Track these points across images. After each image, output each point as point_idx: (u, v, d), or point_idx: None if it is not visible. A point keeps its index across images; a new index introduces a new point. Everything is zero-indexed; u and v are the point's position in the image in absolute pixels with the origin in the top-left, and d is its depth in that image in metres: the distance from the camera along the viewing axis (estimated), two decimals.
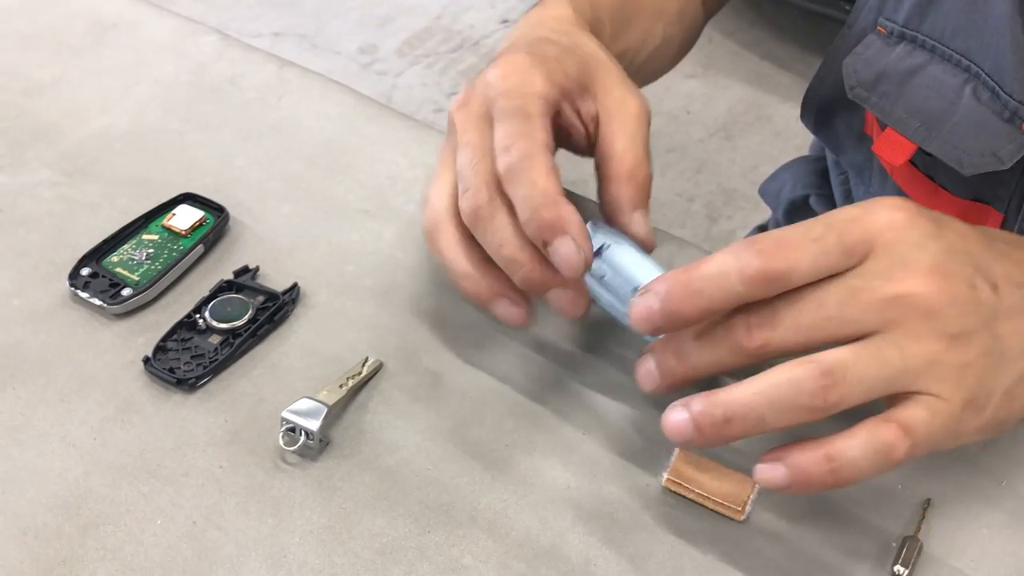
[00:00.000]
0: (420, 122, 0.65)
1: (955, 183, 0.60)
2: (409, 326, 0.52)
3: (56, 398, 0.49)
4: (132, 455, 0.47)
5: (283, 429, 0.47)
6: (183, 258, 0.54)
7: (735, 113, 1.96)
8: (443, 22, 2.16)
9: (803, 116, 0.71)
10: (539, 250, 0.45)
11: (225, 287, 0.53)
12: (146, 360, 0.50)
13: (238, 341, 0.51)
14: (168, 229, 0.56)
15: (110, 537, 0.44)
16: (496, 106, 0.47)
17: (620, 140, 0.49)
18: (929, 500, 0.45)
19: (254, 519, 0.45)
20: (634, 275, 0.48)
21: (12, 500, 0.45)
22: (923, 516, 0.44)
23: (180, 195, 0.58)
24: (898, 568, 0.42)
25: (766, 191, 0.89)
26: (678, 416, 0.40)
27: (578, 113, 0.51)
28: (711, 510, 0.45)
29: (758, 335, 0.39)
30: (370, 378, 0.50)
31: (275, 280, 0.54)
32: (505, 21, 2.12)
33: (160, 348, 0.50)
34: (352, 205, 0.59)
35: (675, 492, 0.45)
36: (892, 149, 0.59)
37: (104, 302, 0.52)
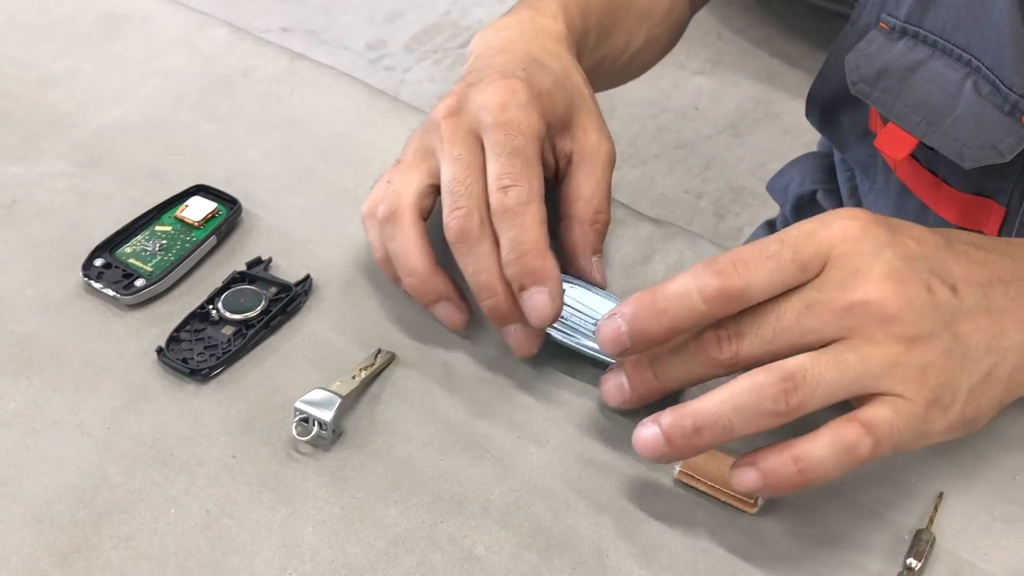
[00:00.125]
0: None
1: (956, 177, 0.60)
2: (421, 318, 0.52)
3: (70, 387, 0.49)
4: (146, 444, 0.47)
5: (296, 419, 0.47)
6: (196, 249, 0.54)
7: (744, 110, 1.96)
8: (451, 18, 2.16)
9: (808, 114, 0.71)
10: (510, 286, 0.47)
11: (238, 278, 0.53)
12: (159, 350, 0.50)
13: (251, 332, 0.51)
14: (181, 220, 0.56)
15: (124, 525, 0.44)
16: (492, 135, 0.48)
17: (588, 183, 0.52)
18: (942, 493, 0.45)
19: (267, 508, 0.45)
20: (594, 311, 0.51)
21: (27, 488, 0.45)
22: (936, 509, 0.44)
23: (193, 187, 0.58)
24: (911, 561, 0.42)
25: (774, 187, 0.89)
26: (649, 431, 0.42)
27: (553, 148, 0.53)
28: (723, 502, 0.45)
29: (727, 348, 0.41)
30: (383, 369, 0.50)
31: (287, 272, 0.55)
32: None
33: (173, 338, 0.51)
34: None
35: (687, 484, 0.45)
36: (894, 144, 0.60)
37: (117, 293, 0.52)
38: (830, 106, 0.69)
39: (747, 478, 0.41)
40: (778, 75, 2.02)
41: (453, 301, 0.50)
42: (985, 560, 0.43)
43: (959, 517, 0.44)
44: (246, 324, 0.51)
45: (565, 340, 0.49)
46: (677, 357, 0.43)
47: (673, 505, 0.45)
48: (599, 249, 0.53)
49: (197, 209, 0.56)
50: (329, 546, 0.44)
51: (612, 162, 0.53)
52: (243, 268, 0.54)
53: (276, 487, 0.46)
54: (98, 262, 0.54)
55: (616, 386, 0.45)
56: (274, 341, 0.51)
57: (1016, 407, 0.46)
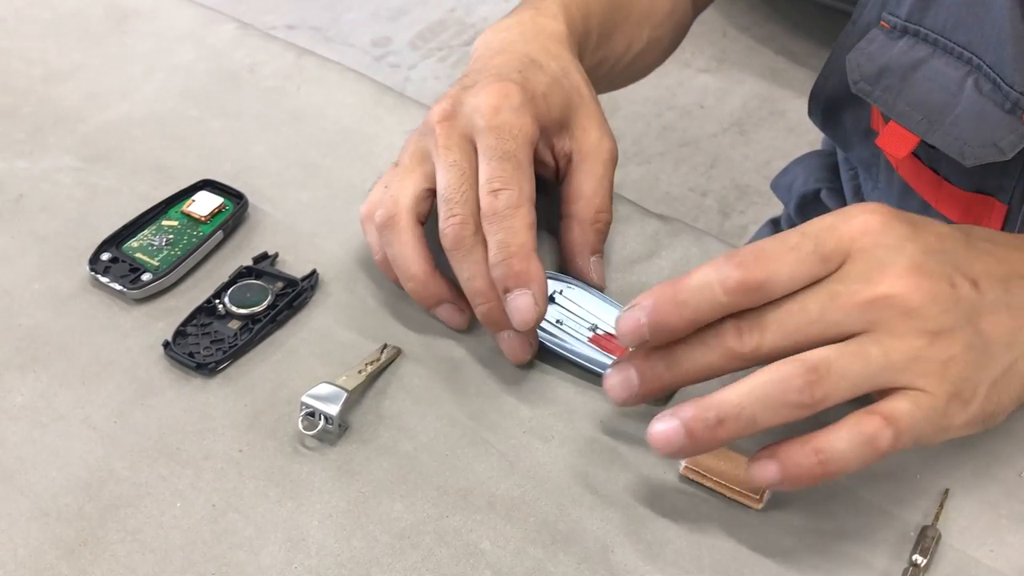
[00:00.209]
0: None
1: (958, 175, 0.60)
2: (427, 313, 0.52)
3: (77, 381, 0.50)
4: (152, 438, 0.47)
5: (303, 413, 0.47)
6: (202, 244, 0.54)
7: (749, 108, 1.96)
8: (456, 15, 2.16)
9: (811, 113, 0.71)
10: None
11: (244, 273, 0.53)
12: (166, 344, 0.50)
13: (257, 327, 0.51)
14: (188, 215, 0.56)
15: (130, 519, 0.44)
16: (484, 139, 0.49)
17: (589, 183, 0.52)
18: (948, 490, 0.45)
19: (273, 502, 0.45)
20: (591, 314, 0.51)
21: (34, 481, 0.46)
22: (941, 506, 0.44)
23: (199, 182, 0.58)
24: (916, 557, 0.42)
25: (778, 185, 0.89)
26: (667, 425, 0.41)
27: (552, 148, 0.54)
28: (729, 498, 0.45)
29: (748, 339, 0.41)
30: (388, 364, 0.50)
31: (294, 267, 0.55)
32: None
33: (180, 333, 0.51)
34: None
35: (693, 480, 0.45)
36: (895, 142, 0.60)
37: (124, 287, 0.53)
38: (832, 105, 0.69)
39: (767, 471, 0.40)
40: (783, 73, 2.01)
41: (454, 303, 0.50)
42: (991, 557, 0.43)
43: (965, 514, 0.44)
44: (252, 319, 0.51)
45: (558, 349, 0.50)
46: (693, 349, 0.42)
47: (679, 501, 0.45)
48: (599, 249, 0.53)
49: (204, 204, 0.56)
50: (335, 540, 0.44)
51: (614, 160, 0.53)
52: (249, 263, 0.54)
53: (282, 481, 0.46)
54: (105, 256, 0.54)
55: (622, 380, 0.44)
56: (280, 336, 0.51)
57: (1022, 405, 0.46)
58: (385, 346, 0.50)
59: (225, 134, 0.63)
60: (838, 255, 0.41)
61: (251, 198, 0.57)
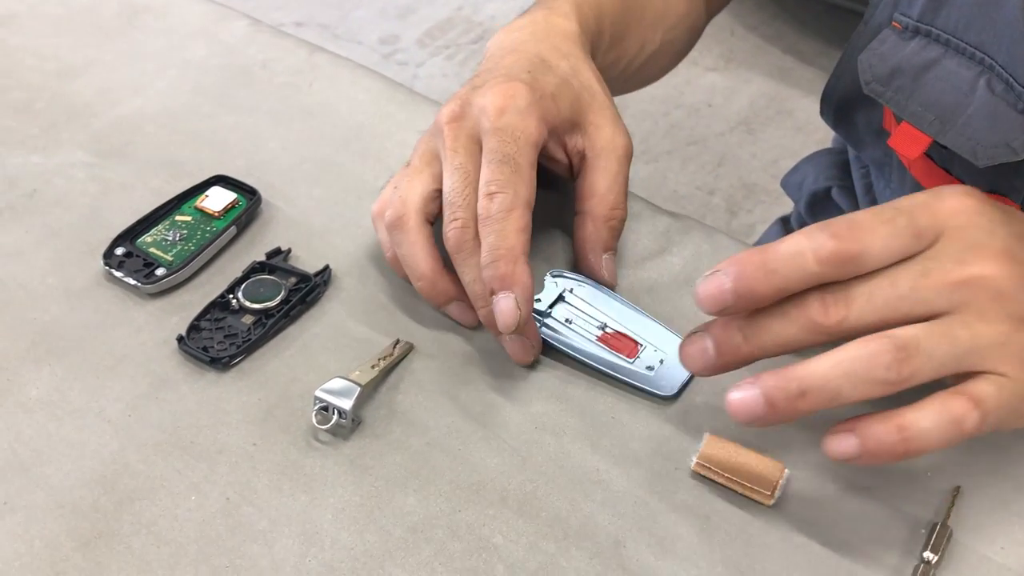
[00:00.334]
0: None
1: (971, 175, 0.60)
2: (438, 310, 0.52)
3: (91, 375, 0.50)
4: (167, 432, 0.48)
5: (316, 408, 0.47)
6: (216, 239, 0.55)
7: (757, 107, 1.96)
8: (464, 13, 2.16)
9: (823, 112, 0.71)
10: None
11: (258, 268, 0.54)
12: (180, 339, 0.50)
13: (271, 321, 0.51)
14: (201, 211, 0.56)
15: (145, 512, 0.45)
16: (488, 141, 0.49)
17: (603, 179, 0.52)
18: (959, 487, 0.45)
19: (287, 496, 0.45)
20: (601, 313, 0.51)
21: (49, 474, 0.46)
22: (952, 503, 0.44)
23: (213, 177, 0.58)
24: (927, 554, 0.42)
25: (788, 184, 0.89)
26: (747, 393, 0.41)
27: (564, 147, 0.54)
28: (740, 494, 0.45)
29: (834, 312, 0.40)
30: (401, 359, 0.50)
31: (307, 262, 0.55)
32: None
33: (194, 327, 0.51)
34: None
35: (704, 476, 0.45)
36: (907, 142, 0.60)
37: (138, 281, 0.53)
38: (845, 105, 0.69)
39: (845, 444, 0.40)
40: (791, 72, 2.01)
41: (464, 301, 0.50)
42: (1002, 555, 0.43)
43: (976, 511, 0.44)
44: (266, 313, 0.51)
45: (566, 349, 0.50)
46: (774, 320, 0.41)
47: (690, 496, 0.45)
48: (611, 246, 0.53)
49: (217, 199, 0.57)
50: (348, 534, 0.44)
51: (628, 157, 0.53)
52: (263, 258, 0.54)
53: (296, 475, 0.46)
54: (119, 251, 0.54)
55: (699, 351, 0.43)
56: (293, 331, 0.52)
57: None
58: (398, 341, 0.50)
59: (238, 130, 0.63)
60: (931, 232, 0.41)
61: (264, 194, 0.58)
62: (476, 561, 0.43)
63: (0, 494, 0.45)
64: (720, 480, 0.45)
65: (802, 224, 0.86)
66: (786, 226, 0.92)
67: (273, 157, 0.61)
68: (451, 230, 0.48)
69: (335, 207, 0.58)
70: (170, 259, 0.54)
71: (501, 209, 0.47)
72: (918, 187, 0.66)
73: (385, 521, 0.44)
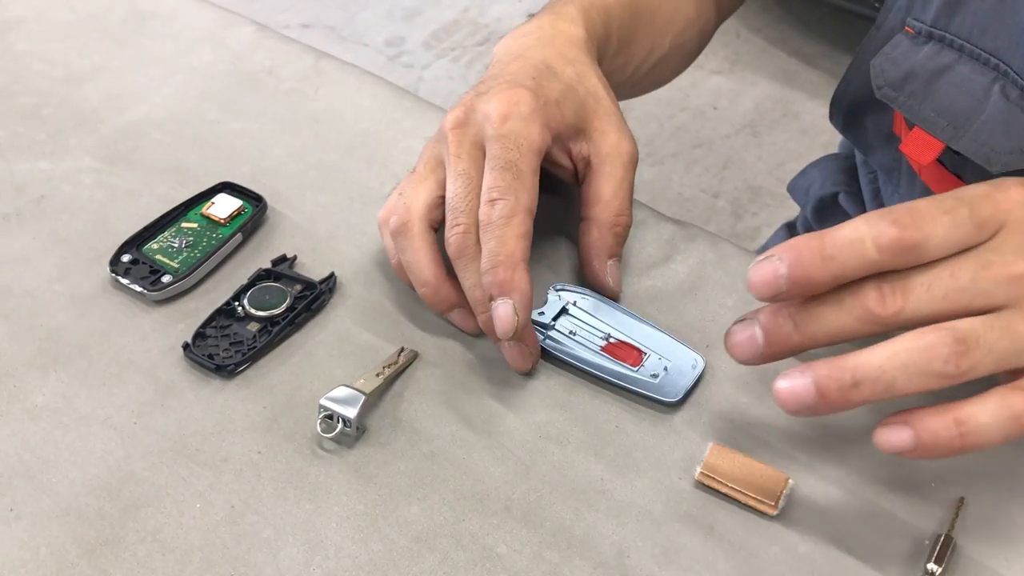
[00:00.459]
0: None
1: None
2: (442, 317, 0.52)
3: (97, 382, 0.50)
4: (172, 439, 0.48)
5: (321, 416, 0.47)
6: (222, 246, 0.55)
7: (762, 110, 1.95)
8: (470, 15, 2.17)
9: (832, 117, 0.71)
10: None
11: (263, 275, 0.54)
12: (185, 346, 0.51)
13: (276, 329, 0.51)
14: (207, 217, 0.57)
15: (150, 519, 0.45)
16: (491, 148, 0.49)
17: (608, 185, 0.52)
18: (963, 499, 0.45)
19: (291, 504, 0.45)
20: (604, 324, 0.51)
21: (55, 481, 0.46)
22: (956, 514, 0.44)
23: (219, 184, 0.58)
24: (931, 566, 0.42)
25: (795, 188, 0.89)
26: (798, 382, 0.40)
27: (569, 153, 0.54)
28: (744, 504, 0.45)
29: (891, 303, 0.39)
30: (406, 367, 0.50)
31: (312, 269, 0.55)
32: (531, 15, 2.11)
33: (199, 334, 0.51)
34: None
35: (708, 486, 0.46)
36: (920, 148, 0.60)
37: (144, 288, 0.53)
38: (854, 109, 0.68)
39: (899, 436, 0.39)
40: (796, 75, 2.01)
41: (466, 307, 0.51)
42: (1006, 566, 0.43)
43: (980, 523, 0.44)
44: (271, 321, 0.52)
45: (570, 360, 0.50)
46: (827, 309, 0.40)
47: (694, 507, 0.45)
48: (616, 253, 0.53)
49: (223, 206, 0.57)
50: (353, 542, 0.44)
51: (634, 162, 0.54)
52: (268, 265, 0.54)
53: (300, 483, 0.46)
54: (125, 258, 0.55)
55: (748, 339, 0.42)
56: (299, 338, 0.52)
57: None
58: (403, 349, 0.51)
59: (244, 136, 0.63)
60: (993, 223, 0.40)
61: (270, 200, 0.58)
62: (480, 571, 0.43)
63: (6, 501, 0.45)
64: (724, 490, 0.45)
65: (808, 230, 0.86)
66: (791, 231, 0.92)
67: (279, 164, 0.61)
68: (453, 236, 0.48)
69: (341, 214, 0.58)
70: (176, 266, 0.54)
71: (502, 215, 0.47)
72: (927, 193, 0.66)
73: (389, 530, 0.44)
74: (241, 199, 0.57)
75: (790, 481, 0.45)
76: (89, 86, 0.67)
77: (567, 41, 0.56)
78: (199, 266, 0.54)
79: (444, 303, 0.51)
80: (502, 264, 0.46)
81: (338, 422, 0.47)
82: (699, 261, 0.56)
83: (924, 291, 0.39)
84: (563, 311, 0.52)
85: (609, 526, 0.45)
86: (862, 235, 0.39)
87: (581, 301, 0.52)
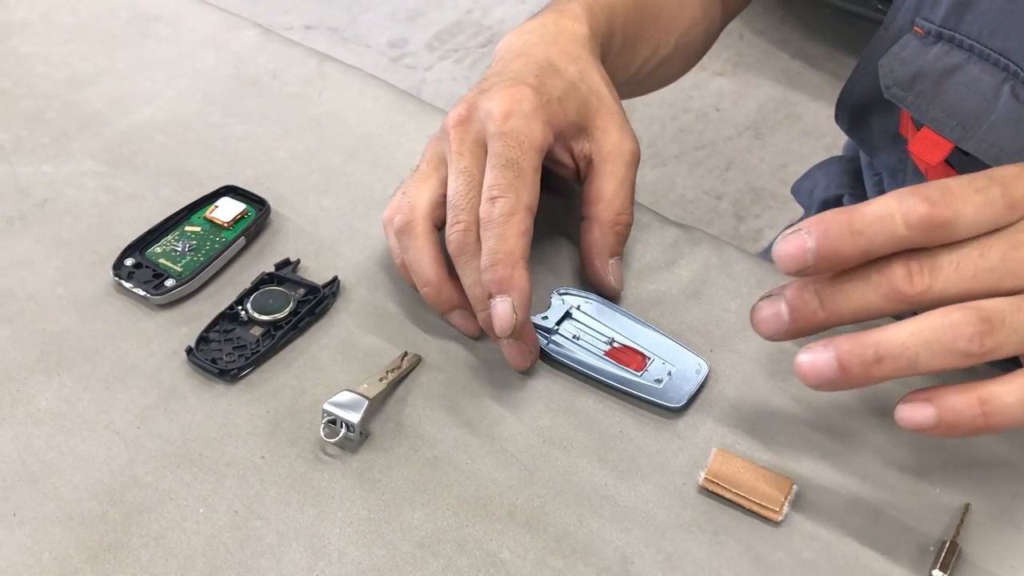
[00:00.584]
0: None
1: None
2: (444, 319, 0.52)
3: (100, 386, 0.50)
4: (175, 444, 0.48)
5: (324, 421, 0.47)
6: (225, 250, 0.55)
7: (765, 111, 1.95)
8: (473, 16, 2.17)
9: (837, 117, 0.71)
10: None
11: (266, 279, 0.54)
12: (189, 350, 0.50)
13: (279, 333, 0.51)
14: (210, 221, 0.56)
15: (153, 524, 0.45)
16: (492, 145, 0.49)
17: (610, 184, 0.52)
18: (968, 505, 0.45)
19: (295, 509, 0.45)
20: (608, 328, 0.51)
21: (58, 486, 0.46)
22: (962, 521, 0.44)
23: (222, 187, 0.58)
24: (936, 572, 0.42)
25: (799, 190, 0.89)
26: (819, 356, 0.40)
27: (571, 151, 0.54)
28: (748, 510, 0.45)
29: (919, 281, 0.39)
30: (409, 372, 0.50)
31: (316, 273, 0.55)
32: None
33: (202, 339, 0.51)
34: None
35: (712, 491, 0.45)
36: (928, 148, 0.59)
37: (147, 292, 0.53)
38: (860, 110, 0.68)
39: (921, 413, 0.39)
40: (799, 77, 2.01)
41: (467, 309, 0.51)
42: (1012, 573, 0.43)
43: (986, 529, 0.44)
44: (274, 325, 0.52)
45: (574, 365, 0.50)
46: (854, 285, 0.40)
47: (698, 512, 0.45)
48: (618, 252, 0.53)
49: (226, 210, 0.57)
50: (356, 548, 0.44)
51: (635, 161, 0.54)
52: (272, 269, 0.54)
53: (304, 488, 0.46)
54: (128, 262, 0.55)
55: (773, 315, 0.42)
56: (302, 342, 0.52)
57: None
58: (406, 354, 0.50)
59: (247, 140, 0.63)
60: None
61: (273, 204, 0.58)
62: None
63: (9, 505, 0.45)
64: (728, 496, 0.45)
65: None
66: None
67: (282, 167, 0.61)
68: (453, 233, 0.48)
69: (344, 218, 0.58)
70: (179, 270, 0.54)
71: (502, 213, 0.47)
72: None
73: (393, 535, 0.44)
74: (244, 203, 0.57)
75: (795, 487, 0.45)
76: (92, 89, 0.67)
77: (570, 38, 0.55)
78: (202, 270, 0.54)
79: (446, 303, 0.51)
80: (501, 262, 0.46)
81: (341, 427, 0.47)
82: (703, 265, 0.55)
83: (952, 270, 0.39)
84: (567, 315, 0.52)
85: (613, 532, 0.44)
86: (892, 211, 0.39)
87: (585, 305, 0.52)
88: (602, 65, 0.56)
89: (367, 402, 0.47)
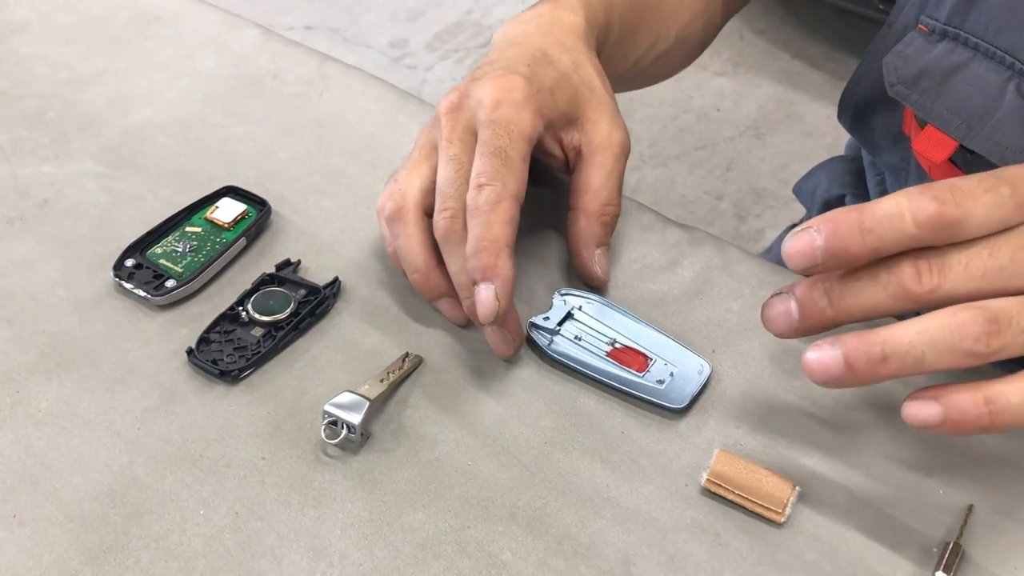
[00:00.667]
0: None
1: None
2: (444, 319, 0.52)
3: (101, 387, 0.50)
4: (176, 445, 0.47)
5: (325, 422, 0.47)
6: (226, 251, 0.55)
7: (765, 111, 1.95)
8: (473, 16, 2.17)
9: (840, 116, 0.71)
10: None
11: (267, 280, 0.54)
12: (189, 351, 0.50)
13: (280, 334, 0.51)
14: (211, 222, 0.56)
15: (154, 525, 0.45)
16: (482, 134, 0.49)
17: (598, 175, 0.52)
18: (972, 506, 0.44)
19: (296, 511, 0.45)
20: (610, 329, 0.51)
21: (59, 487, 0.46)
22: (965, 522, 0.44)
23: (223, 188, 0.58)
24: (940, 574, 0.42)
25: (801, 190, 0.88)
26: (826, 353, 0.40)
27: (560, 142, 0.54)
28: (751, 512, 0.45)
29: (928, 280, 0.39)
30: (410, 373, 0.50)
31: (316, 274, 0.55)
32: None
33: (203, 340, 0.51)
34: None
35: (715, 493, 0.45)
36: (933, 146, 0.59)
37: (148, 293, 0.53)
38: (863, 108, 0.68)
39: (927, 411, 0.39)
40: (800, 76, 2.01)
41: (455, 297, 0.51)
42: (1015, 574, 0.43)
43: (989, 530, 0.44)
44: (275, 326, 0.51)
45: (575, 366, 0.50)
46: (863, 284, 0.40)
47: (700, 514, 0.45)
48: (604, 242, 0.53)
49: (227, 211, 0.57)
50: (357, 549, 0.44)
51: (625, 153, 0.54)
52: (272, 270, 0.54)
53: (304, 490, 0.46)
54: (129, 262, 0.54)
55: (783, 313, 0.42)
56: (303, 343, 0.52)
57: None
58: (407, 355, 0.50)
59: (248, 140, 0.63)
60: None
61: (274, 205, 0.58)
62: None
63: (9, 507, 0.45)
64: (730, 497, 0.45)
65: None
66: None
67: (283, 168, 0.61)
68: (440, 220, 0.48)
69: (345, 218, 0.58)
70: (180, 271, 0.54)
71: (488, 201, 0.47)
72: None
73: (394, 537, 0.44)
74: (245, 203, 0.57)
75: (797, 488, 0.45)
76: (93, 90, 0.67)
77: (565, 29, 0.56)
78: (203, 271, 0.54)
79: (434, 291, 0.51)
80: (486, 249, 0.46)
81: (342, 428, 0.47)
82: (705, 266, 0.55)
83: (962, 269, 0.39)
84: (568, 316, 0.52)
85: (615, 533, 0.44)
86: (901, 209, 0.39)
87: (587, 306, 0.52)
88: (598, 56, 0.56)
89: (368, 403, 0.47)
